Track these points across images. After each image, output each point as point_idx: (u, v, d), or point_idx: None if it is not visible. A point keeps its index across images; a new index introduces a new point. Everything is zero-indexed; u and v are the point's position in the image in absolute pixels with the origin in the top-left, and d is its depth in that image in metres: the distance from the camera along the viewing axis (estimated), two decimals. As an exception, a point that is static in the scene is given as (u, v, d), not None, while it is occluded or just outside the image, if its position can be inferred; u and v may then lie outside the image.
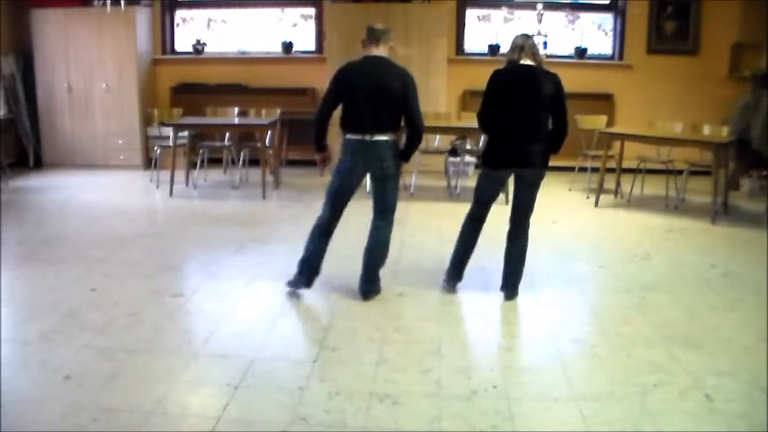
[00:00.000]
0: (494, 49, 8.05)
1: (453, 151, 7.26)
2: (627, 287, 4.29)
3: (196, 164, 7.46)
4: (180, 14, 8.69)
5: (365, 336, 3.48)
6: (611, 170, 6.73)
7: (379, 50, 3.75)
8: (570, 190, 7.12)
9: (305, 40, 8.46)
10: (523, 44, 3.72)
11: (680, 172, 6.54)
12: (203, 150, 7.41)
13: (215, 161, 7.75)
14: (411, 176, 6.88)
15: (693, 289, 4.29)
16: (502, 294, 3.98)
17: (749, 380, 3.05)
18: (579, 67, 8.00)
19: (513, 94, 3.69)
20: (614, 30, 8.21)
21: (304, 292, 4.10)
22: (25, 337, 3.43)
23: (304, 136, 7.88)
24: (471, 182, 7.12)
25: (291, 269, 4.52)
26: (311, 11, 8.45)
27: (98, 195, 6.80)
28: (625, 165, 6.69)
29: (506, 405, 2.81)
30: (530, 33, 3.89)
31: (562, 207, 6.39)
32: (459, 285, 4.10)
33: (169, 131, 7.03)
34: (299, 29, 8.55)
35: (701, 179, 6.64)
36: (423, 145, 6.77)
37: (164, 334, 3.50)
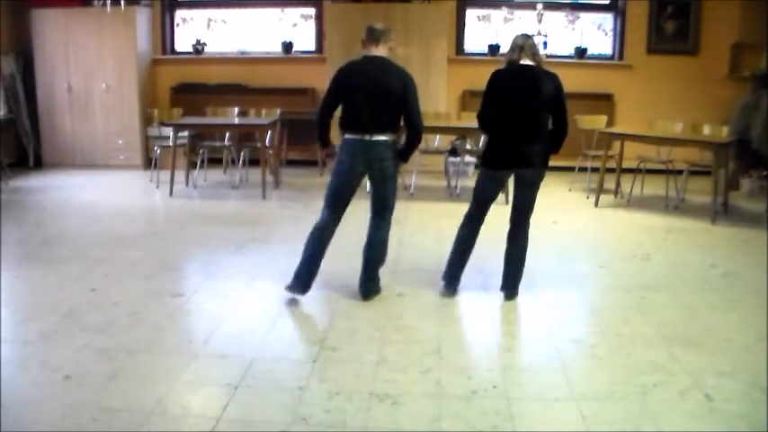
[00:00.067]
0: (494, 49, 8.05)
1: (453, 151, 7.26)
2: (627, 287, 4.29)
3: (196, 164, 7.46)
4: (180, 14, 8.69)
5: (365, 336, 3.48)
6: (611, 170, 6.73)
7: (379, 50, 3.74)
8: (570, 190, 7.12)
9: (305, 40, 8.46)
10: (523, 44, 3.72)
11: (680, 172, 6.54)
12: (203, 150, 7.41)
13: (215, 161, 7.75)
14: (411, 176, 6.88)
15: (693, 289, 4.29)
16: (502, 294, 3.98)
17: (749, 380, 3.05)
18: (579, 67, 8.00)
19: (513, 94, 3.69)
20: (614, 30, 8.22)
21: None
22: (25, 337, 3.43)
23: (304, 136, 7.90)
24: (471, 182, 7.11)
25: (291, 269, 4.52)
26: (311, 11, 8.45)
27: (98, 195, 6.80)
28: (625, 165, 6.69)
29: (506, 405, 2.81)
30: (529, 33, 3.88)
31: (562, 207, 6.39)
32: (461, 287, 4.10)
33: (169, 131, 7.03)
34: (299, 29, 8.55)
35: (701, 179, 6.64)
36: (423, 145, 6.77)
37: (164, 334, 3.50)
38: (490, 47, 8.12)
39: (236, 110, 7.52)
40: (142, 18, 8.00)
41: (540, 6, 7.65)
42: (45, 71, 7.95)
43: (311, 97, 8.03)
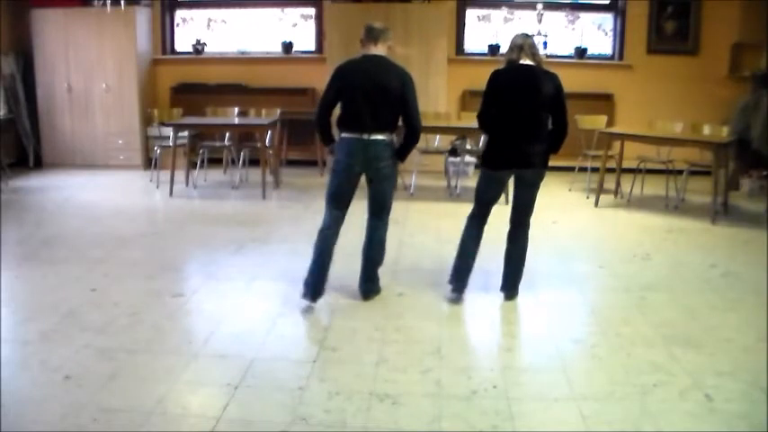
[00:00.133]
0: (494, 49, 8.05)
1: (453, 151, 7.26)
2: (627, 287, 4.29)
3: (196, 164, 7.46)
4: (180, 14, 8.69)
5: (365, 336, 3.48)
6: (611, 170, 6.73)
7: (378, 49, 3.73)
8: (570, 190, 7.12)
9: (305, 40, 8.46)
10: (523, 44, 3.70)
11: (680, 172, 6.54)
12: (203, 150, 7.41)
13: (215, 161, 7.75)
14: (411, 176, 6.88)
15: (693, 289, 4.29)
16: (502, 294, 3.98)
17: (749, 380, 3.05)
18: (579, 67, 7.99)
19: (513, 94, 3.68)
20: (614, 30, 8.21)
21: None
22: (25, 337, 3.43)
23: (304, 136, 7.91)
24: (471, 182, 7.13)
25: (291, 269, 4.53)
26: (311, 11, 8.45)
27: (98, 195, 6.80)
28: (625, 165, 6.69)
29: (506, 405, 2.81)
30: (529, 33, 3.87)
31: (562, 207, 6.39)
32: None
33: (169, 131, 7.03)
34: (299, 29, 8.55)
35: (701, 179, 6.64)
36: (423, 145, 6.84)
37: (164, 334, 3.50)
38: (490, 47, 8.12)
39: (236, 110, 7.52)
40: (142, 18, 8.00)
41: (540, 6, 7.65)
42: (45, 71, 7.95)
43: (311, 97, 8.03)
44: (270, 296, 4.03)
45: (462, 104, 8.02)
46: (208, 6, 8.67)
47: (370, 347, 3.35)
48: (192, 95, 8.15)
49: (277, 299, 3.97)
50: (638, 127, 6.94)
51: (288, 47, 8.35)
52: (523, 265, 3.95)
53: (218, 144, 7.46)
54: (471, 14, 8.34)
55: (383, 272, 4.06)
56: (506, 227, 3.94)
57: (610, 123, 7.31)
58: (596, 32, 8.33)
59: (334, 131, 3.83)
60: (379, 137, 3.67)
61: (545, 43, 7.66)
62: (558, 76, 3.71)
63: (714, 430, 2.66)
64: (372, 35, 3.72)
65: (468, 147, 7.09)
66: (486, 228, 3.95)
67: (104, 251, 4.89)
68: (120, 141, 8.09)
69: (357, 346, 3.37)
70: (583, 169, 7.10)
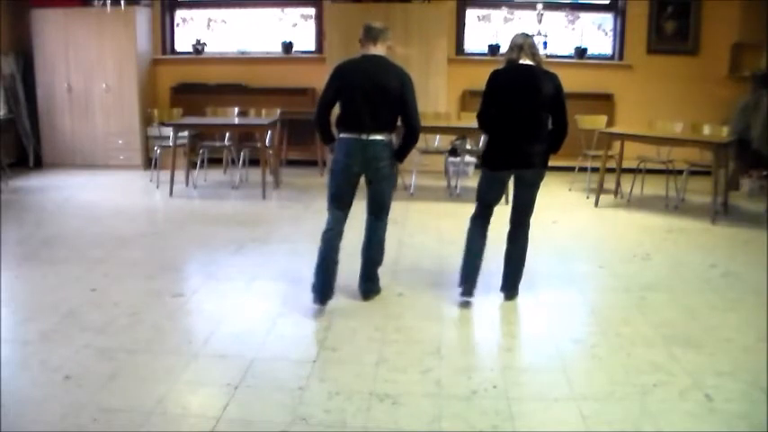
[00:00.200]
0: (494, 49, 8.05)
1: (453, 151, 7.26)
2: (627, 287, 4.29)
3: (196, 164, 7.46)
4: (180, 14, 8.69)
5: (365, 336, 3.48)
6: (611, 170, 6.73)
7: (377, 49, 3.72)
8: (570, 190, 7.12)
9: (305, 40, 8.46)
10: (522, 43, 3.69)
11: (680, 172, 6.54)
12: (203, 150, 7.41)
13: (215, 161, 7.75)
14: (411, 176, 6.88)
15: (693, 289, 4.29)
16: (502, 295, 3.98)
17: (749, 380, 3.05)
18: (579, 67, 8.00)
19: (513, 94, 3.67)
20: (614, 30, 8.21)
21: (304, 291, 4.09)
22: (25, 337, 3.43)
23: (304, 136, 7.91)
24: (471, 182, 7.14)
25: (291, 269, 4.54)
26: (311, 11, 8.45)
27: (98, 195, 6.80)
28: (625, 165, 6.69)
29: (506, 405, 2.81)
30: (529, 33, 3.86)
31: (562, 207, 6.39)
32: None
33: (169, 131, 7.03)
34: (299, 29, 8.55)
35: (701, 179, 6.64)
36: (423, 145, 6.84)
37: (164, 334, 3.50)
38: (490, 47, 8.12)
39: (236, 110, 7.52)
40: (142, 18, 8.00)
41: (540, 6, 7.65)
42: (45, 71, 7.95)
43: (311, 97, 8.02)
44: (270, 296, 4.03)
45: (462, 104, 8.02)
46: (208, 6, 8.67)
47: (370, 347, 3.35)
48: (192, 95, 8.15)
49: (277, 299, 3.97)
50: (638, 127, 6.94)
51: (288, 47, 8.35)
52: (523, 265, 3.95)
53: (218, 144, 7.46)
54: (471, 14, 8.34)
55: (383, 272, 4.06)
56: (506, 227, 3.94)
57: (610, 123, 7.31)
58: (596, 32, 8.33)
59: (334, 131, 3.83)
60: (378, 137, 3.65)
61: (545, 43, 7.66)
62: (558, 75, 3.71)
63: (714, 430, 2.66)
64: (371, 35, 3.71)
65: (468, 147, 7.09)
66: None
67: (104, 251, 4.89)
68: (120, 141, 8.09)
69: (357, 346, 3.37)
70: (583, 169, 7.10)
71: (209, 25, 8.67)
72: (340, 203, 3.78)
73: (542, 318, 3.79)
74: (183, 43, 8.61)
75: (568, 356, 3.30)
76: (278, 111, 7.37)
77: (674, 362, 3.22)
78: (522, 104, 3.65)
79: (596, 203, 6.49)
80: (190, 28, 8.67)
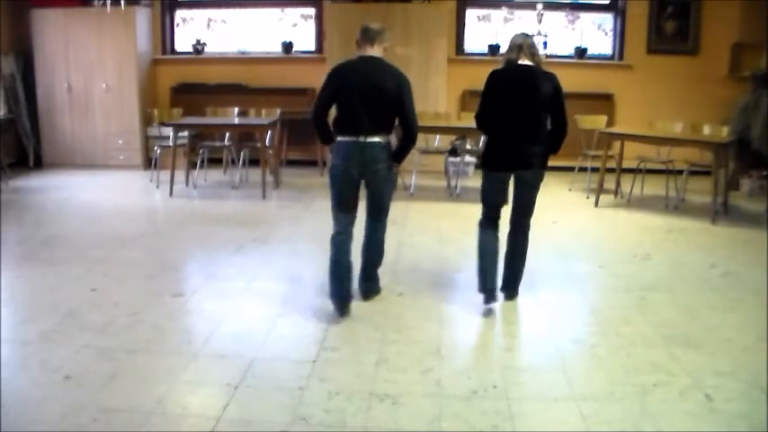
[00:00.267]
0: (494, 49, 8.05)
1: (453, 151, 7.26)
2: (627, 287, 4.28)
3: (196, 164, 7.46)
4: (180, 14, 8.69)
5: (365, 336, 3.48)
6: (611, 170, 6.73)
7: (374, 51, 3.68)
8: (570, 190, 7.12)
9: (305, 40, 8.46)
10: (522, 44, 3.67)
11: (680, 172, 6.54)
12: (203, 150, 7.41)
13: (215, 161, 7.75)
14: (411, 176, 6.88)
15: (693, 289, 4.29)
16: (502, 295, 3.97)
17: (749, 380, 3.05)
18: (579, 67, 8.00)
19: (512, 94, 3.65)
20: (614, 30, 8.21)
21: (304, 291, 4.10)
22: (25, 337, 3.43)
23: (304, 136, 7.90)
24: (471, 182, 7.15)
25: (291, 269, 4.54)
26: (311, 11, 8.45)
27: (98, 195, 6.80)
28: (625, 165, 6.69)
29: (506, 405, 2.81)
30: (528, 33, 3.84)
31: (562, 207, 6.39)
32: (461, 286, 4.09)
33: (169, 131, 7.03)
34: (299, 29, 8.55)
35: (701, 179, 6.64)
36: (423, 145, 6.84)
37: (164, 334, 3.50)
38: (490, 47, 8.12)
39: (236, 110, 7.52)
40: (142, 18, 8.00)
41: (540, 6, 7.65)
42: (45, 71, 7.95)
43: (311, 97, 8.01)
44: (270, 296, 4.03)
45: (462, 104, 8.02)
46: (208, 6, 8.67)
47: (370, 347, 3.35)
48: (192, 95, 8.15)
49: (277, 299, 3.97)
50: (638, 127, 6.94)
51: (288, 47, 8.35)
52: (524, 265, 3.94)
53: (218, 144, 7.46)
54: (471, 14, 8.34)
55: (383, 272, 4.06)
56: (507, 228, 3.93)
57: (610, 123, 7.31)
58: (596, 32, 8.33)
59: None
60: (376, 139, 3.62)
61: (545, 43, 7.65)
62: (557, 76, 3.69)
63: (714, 430, 2.66)
64: (368, 36, 3.68)
65: (468, 147, 7.09)
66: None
67: (104, 251, 4.89)
68: (120, 141, 8.09)
69: (357, 346, 3.37)
70: (583, 169, 7.10)
71: (209, 25, 8.67)
72: (345, 207, 3.73)
73: (542, 318, 3.79)
74: (183, 43, 8.61)
75: (568, 356, 3.30)
76: (278, 111, 7.37)
77: (674, 362, 3.22)
78: (521, 105, 3.63)
79: (596, 203, 6.49)
80: (190, 28, 8.67)
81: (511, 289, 3.96)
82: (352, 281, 3.78)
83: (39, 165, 8.14)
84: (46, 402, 2.78)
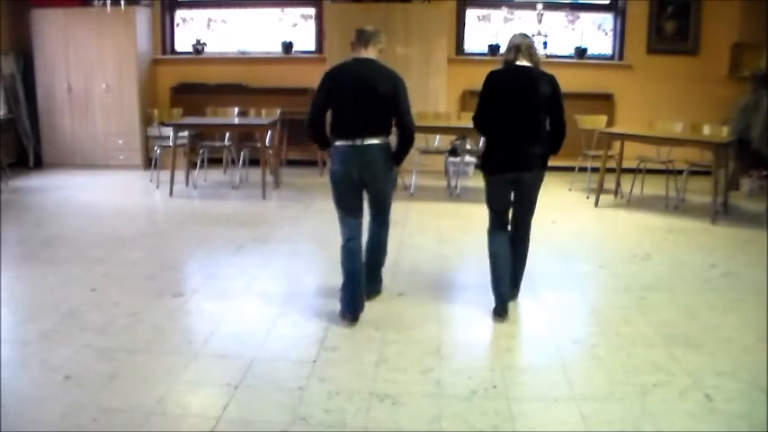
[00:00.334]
0: (494, 49, 8.05)
1: (453, 151, 7.26)
2: (627, 287, 4.28)
3: (196, 164, 7.46)
4: (180, 14, 8.69)
5: (365, 336, 3.48)
6: (611, 170, 6.73)
7: (368, 53, 3.66)
8: (570, 190, 7.12)
9: (305, 40, 8.46)
10: (520, 44, 3.64)
11: (680, 172, 6.54)
12: (203, 150, 7.41)
13: (215, 161, 7.75)
14: (411, 176, 6.88)
15: (693, 289, 4.29)
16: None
17: (749, 380, 3.05)
18: (579, 67, 8.00)
19: (510, 95, 3.62)
20: (614, 30, 8.22)
21: (304, 291, 4.10)
22: (25, 337, 3.43)
23: (304, 136, 7.81)
24: (471, 182, 7.16)
25: (291, 269, 4.55)
26: (311, 11, 8.46)
27: (98, 195, 6.80)
28: (625, 165, 6.69)
29: (506, 405, 2.81)
30: (527, 33, 3.81)
31: (562, 207, 6.39)
32: (461, 286, 4.08)
33: (169, 131, 7.04)
34: (299, 29, 8.55)
35: (701, 179, 6.64)
36: (423, 145, 6.84)
37: (164, 334, 3.50)
38: (490, 47, 8.12)
39: (236, 110, 7.52)
40: (142, 18, 8.00)
41: (540, 6, 7.66)
42: (45, 71, 7.95)
43: (311, 97, 7.98)
44: (270, 296, 4.03)
45: (462, 104, 8.01)
46: (208, 6, 8.67)
47: (370, 347, 3.35)
48: (192, 95, 8.15)
49: (277, 299, 3.97)
50: (638, 127, 6.94)
51: (288, 47, 8.35)
52: (524, 266, 3.93)
53: (218, 144, 7.46)
54: (471, 14, 8.34)
55: (383, 272, 4.05)
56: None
57: (610, 123, 7.31)
58: (596, 32, 8.33)
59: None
60: (374, 141, 3.59)
61: (545, 43, 7.66)
62: (555, 77, 3.66)
63: (714, 430, 2.66)
64: (363, 38, 3.66)
65: (468, 147, 7.09)
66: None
67: (104, 251, 4.89)
68: (120, 141, 8.09)
69: (357, 346, 3.37)
70: (583, 169, 7.10)
71: (209, 25, 8.68)
72: (350, 212, 3.69)
73: (542, 318, 3.79)
74: (183, 43, 8.61)
75: (568, 356, 3.30)
76: (278, 111, 7.37)
77: (674, 362, 3.22)
78: (520, 106, 3.61)
79: (596, 203, 6.49)
80: (190, 28, 8.67)
81: (511, 289, 3.94)
82: (363, 289, 3.75)
83: (39, 165, 8.14)
84: (46, 402, 2.78)
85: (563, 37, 8.22)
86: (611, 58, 8.23)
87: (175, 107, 7.82)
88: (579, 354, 3.36)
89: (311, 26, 8.47)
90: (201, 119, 7.40)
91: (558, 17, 8.23)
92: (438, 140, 7.30)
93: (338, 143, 3.63)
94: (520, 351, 3.50)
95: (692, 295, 4.16)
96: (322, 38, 8.21)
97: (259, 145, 6.93)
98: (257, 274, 4.43)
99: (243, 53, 8.54)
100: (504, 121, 3.64)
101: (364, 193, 3.74)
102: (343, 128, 3.61)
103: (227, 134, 7.47)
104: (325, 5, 8.02)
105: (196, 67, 8.37)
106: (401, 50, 7.51)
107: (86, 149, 8.09)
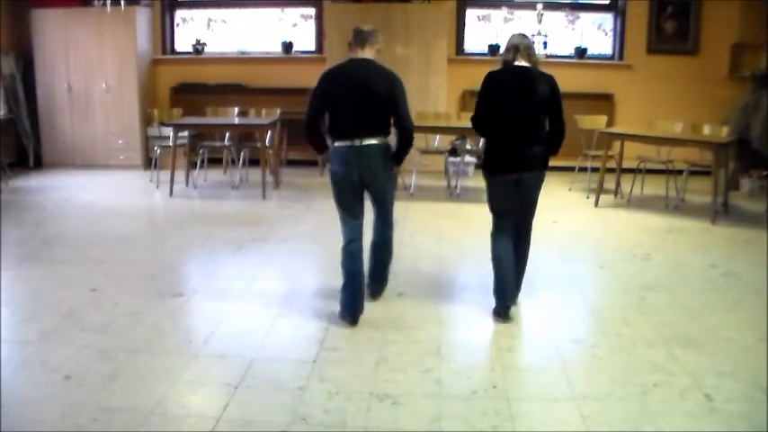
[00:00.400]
0: (494, 49, 8.04)
1: (453, 151, 7.26)
2: (627, 287, 4.28)
3: (196, 164, 7.46)
4: (180, 14, 8.69)
5: (365, 336, 3.48)
6: (611, 170, 6.73)
7: (365, 53, 3.64)
8: (570, 190, 7.12)
9: (305, 40, 8.47)
10: (518, 44, 3.62)
11: (680, 172, 6.54)
12: (203, 150, 7.41)
13: (215, 161, 7.75)
14: (411, 176, 6.88)
15: (693, 289, 4.29)
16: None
17: (749, 380, 3.05)
18: (579, 67, 8.00)
19: (509, 96, 3.61)
20: (614, 30, 8.22)
21: (304, 291, 4.10)
22: (25, 337, 3.43)
23: (304, 136, 7.89)
24: (471, 182, 7.16)
25: (291, 269, 4.54)
26: (311, 11, 8.46)
27: (98, 195, 6.80)
28: (625, 165, 6.69)
29: (506, 405, 2.81)
30: (525, 33, 3.78)
31: (562, 207, 6.39)
32: (461, 286, 4.08)
33: (169, 131, 7.04)
34: (299, 29, 8.55)
35: (701, 179, 6.64)
36: (423, 145, 6.84)
37: (164, 334, 3.50)
38: (490, 47, 8.12)
39: (236, 110, 7.52)
40: (142, 18, 8.00)
41: (540, 6, 7.66)
42: (45, 71, 7.95)
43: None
44: (270, 296, 4.03)
45: (462, 104, 8.01)
46: (208, 6, 8.67)
47: (370, 347, 3.34)
48: (192, 95, 8.15)
49: (277, 299, 3.97)
50: (638, 127, 6.94)
51: (288, 47, 8.35)
52: (525, 266, 3.92)
53: (218, 144, 7.46)
54: (471, 14, 8.34)
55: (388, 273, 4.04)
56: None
57: (610, 123, 7.32)
58: (596, 32, 8.33)
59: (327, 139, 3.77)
60: (373, 141, 3.58)
61: (545, 43, 7.66)
62: (554, 77, 3.65)
63: (714, 430, 2.66)
64: (360, 38, 3.64)
65: (468, 147, 7.09)
66: (487, 228, 3.92)
67: (104, 251, 4.89)
68: (120, 141, 8.09)
69: (357, 346, 3.36)
70: (583, 169, 7.10)
71: (209, 25, 8.68)
72: (351, 212, 3.69)
73: (542, 318, 3.79)
74: (183, 43, 8.61)
75: (568, 356, 3.30)
76: (278, 111, 7.37)
77: (674, 362, 3.22)
78: (519, 106, 3.59)
79: (596, 203, 6.49)
80: (190, 28, 8.67)
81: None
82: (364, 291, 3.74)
83: (39, 165, 8.14)
84: (46, 402, 2.78)
85: (563, 37, 8.22)
86: (611, 58, 8.23)
87: (175, 107, 7.82)
88: (579, 354, 3.36)
89: (311, 26, 8.47)
90: (201, 119, 7.40)
91: (558, 17, 8.23)
92: (438, 140, 7.30)
93: (337, 144, 3.62)
94: (520, 351, 3.50)
95: (692, 295, 4.16)
96: (322, 38, 8.22)
97: (259, 145, 6.93)
98: (257, 274, 4.43)
99: (243, 53, 8.54)
100: (502, 121, 3.63)
101: (365, 193, 3.73)
102: (342, 129, 3.60)
103: (227, 134, 7.47)
104: (325, 5, 8.02)
105: (196, 67, 8.38)
106: (401, 50, 7.51)
107: (86, 149, 8.09)
